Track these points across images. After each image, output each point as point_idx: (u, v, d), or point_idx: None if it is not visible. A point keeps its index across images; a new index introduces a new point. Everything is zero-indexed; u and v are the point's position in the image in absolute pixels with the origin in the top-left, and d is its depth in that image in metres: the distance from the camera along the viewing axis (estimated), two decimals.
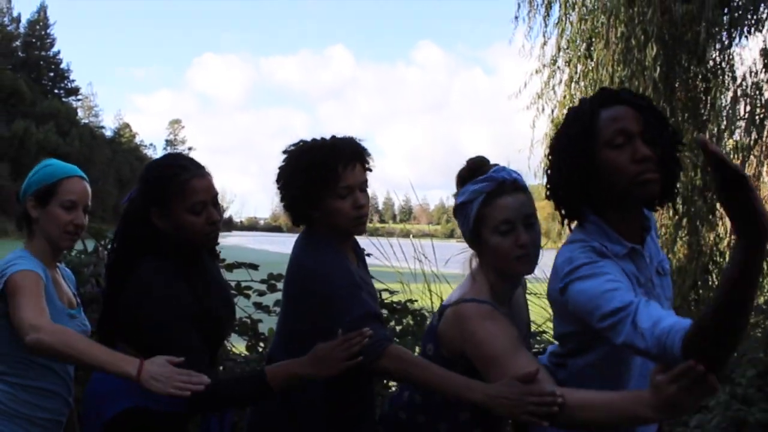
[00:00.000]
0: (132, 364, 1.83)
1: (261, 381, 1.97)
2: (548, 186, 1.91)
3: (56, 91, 76.80)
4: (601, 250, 1.79)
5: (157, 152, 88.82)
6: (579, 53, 7.10)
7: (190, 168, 2.12)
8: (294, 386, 2.02)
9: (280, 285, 3.79)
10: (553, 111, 7.86)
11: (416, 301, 4.31)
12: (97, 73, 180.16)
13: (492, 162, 2.10)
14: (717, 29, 6.53)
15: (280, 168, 2.23)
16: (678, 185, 1.92)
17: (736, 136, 6.66)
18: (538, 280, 3.37)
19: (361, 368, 1.93)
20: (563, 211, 1.90)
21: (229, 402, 2.04)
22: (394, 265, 5.15)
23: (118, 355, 1.88)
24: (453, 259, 4.09)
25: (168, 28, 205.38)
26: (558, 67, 7.35)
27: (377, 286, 2.82)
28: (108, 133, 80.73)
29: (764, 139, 6.20)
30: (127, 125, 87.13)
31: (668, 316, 1.58)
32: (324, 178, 2.12)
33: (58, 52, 78.31)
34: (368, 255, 2.56)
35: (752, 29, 6.57)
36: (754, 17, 6.52)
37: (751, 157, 6.44)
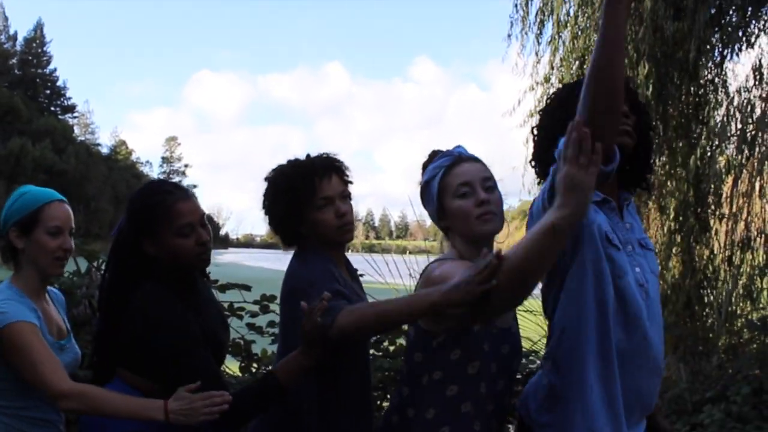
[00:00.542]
0: (158, 409, 1.93)
1: (274, 383, 2.03)
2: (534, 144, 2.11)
3: (52, 108, 77.18)
4: None
5: (153, 169, 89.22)
6: (572, 71, 7.11)
7: (174, 192, 2.14)
8: (300, 379, 2.07)
9: (272, 306, 3.80)
10: None
11: None
12: (93, 90, 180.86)
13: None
14: (709, 47, 6.57)
15: (263, 194, 2.27)
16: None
17: (729, 153, 6.69)
18: (532, 296, 3.36)
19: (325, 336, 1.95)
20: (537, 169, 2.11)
21: (252, 412, 2.09)
22: (389, 282, 5.14)
23: (142, 403, 1.97)
24: None
25: (165, 45, 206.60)
26: (551, 85, 7.35)
27: None
28: (104, 151, 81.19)
29: (756, 155, 6.21)
30: (123, 142, 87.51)
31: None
32: (303, 193, 2.17)
33: (55, 69, 79.05)
34: (361, 275, 2.57)
35: (744, 46, 6.61)
36: (746, 34, 6.57)
37: (744, 173, 6.45)
